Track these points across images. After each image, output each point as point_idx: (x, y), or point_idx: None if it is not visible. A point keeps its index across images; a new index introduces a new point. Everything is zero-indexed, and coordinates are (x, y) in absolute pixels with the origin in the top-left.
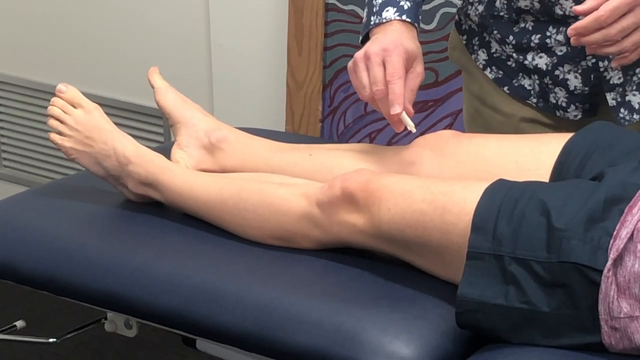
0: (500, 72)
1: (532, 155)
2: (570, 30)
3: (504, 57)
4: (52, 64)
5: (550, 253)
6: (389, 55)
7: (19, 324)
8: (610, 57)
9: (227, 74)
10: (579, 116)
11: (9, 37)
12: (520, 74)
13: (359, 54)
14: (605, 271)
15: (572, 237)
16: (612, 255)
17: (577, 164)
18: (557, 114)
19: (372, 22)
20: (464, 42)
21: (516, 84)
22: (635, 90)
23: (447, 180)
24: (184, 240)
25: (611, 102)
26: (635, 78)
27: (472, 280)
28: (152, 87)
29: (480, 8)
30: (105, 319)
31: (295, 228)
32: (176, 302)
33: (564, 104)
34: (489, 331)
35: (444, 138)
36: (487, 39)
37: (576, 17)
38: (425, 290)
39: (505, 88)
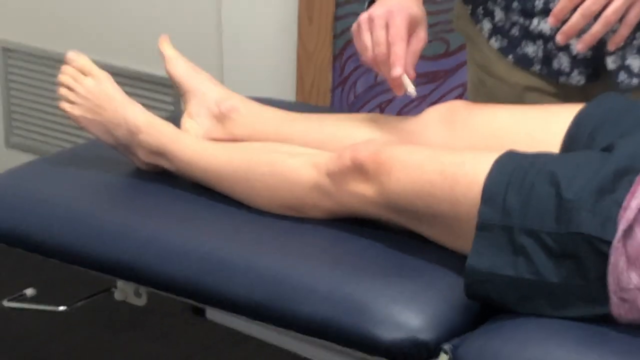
0: (505, 40)
1: (542, 126)
2: (550, 17)
3: (507, 26)
4: (62, 32)
5: (559, 224)
6: (392, 18)
7: (29, 291)
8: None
9: (237, 44)
10: (582, 81)
11: (19, 5)
12: (524, 41)
13: (363, 17)
14: (614, 242)
15: (582, 208)
16: (622, 226)
17: (587, 135)
18: (561, 79)
19: None
20: (470, 11)
21: (520, 52)
22: (636, 53)
23: (457, 150)
24: (193, 209)
25: (611, 65)
26: (635, 42)
27: (481, 251)
28: (163, 56)
29: None
30: (115, 287)
31: (305, 198)
32: (186, 271)
33: (567, 69)
34: (497, 302)
35: (455, 108)
36: (490, 7)
37: None
38: (434, 260)
39: (510, 57)
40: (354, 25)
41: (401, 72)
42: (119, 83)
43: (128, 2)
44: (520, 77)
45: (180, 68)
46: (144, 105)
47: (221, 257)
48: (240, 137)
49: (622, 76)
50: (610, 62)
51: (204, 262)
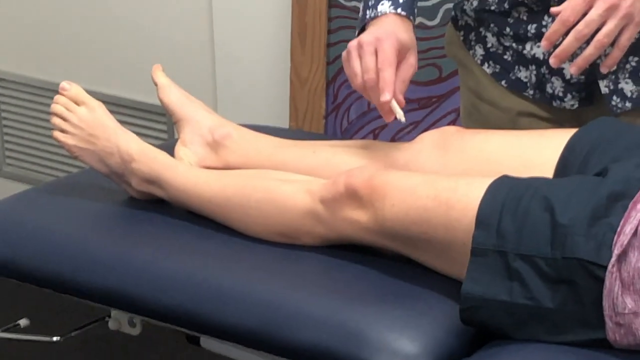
0: (497, 66)
1: (535, 151)
2: (543, 40)
3: (500, 52)
4: (55, 62)
5: (554, 249)
6: (381, 44)
7: (23, 322)
8: (599, 62)
9: (230, 71)
10: (576, 105)
11: (13, 35)
12: (517, 66)
13: (352, 43)
14: (609, 267)
15: (576, 233)
16: (616, 251)
17: (581, 159)
18: (554, 104)
19: (367, 16)
20: (462, 37)
21: (513, 77)
22: (628, 78)
23: (451, 176)
24: (187, 237)
25: (604, 89)
26: (627, 66)
27: (476, 277)
28: (156, 84)
29: (475, 3)
30: (109, 316)
31: (299, 225)
32: (180, 300)
33: (560, 94)
34: (493, 327)
35: (448, 134)
36: (483, 33)
37: None
38: (430, 286)
39: (503, 82)
40: (344, 53)
41: (390, 97)
42: (112, 112)
43: (121, 31)
44: (514, 102)
45: (173, 96)
46: (137, 133)
47: (215, 285)
48: (234, 165)
49: (616, 100)
50: (603, 86)
51: (198, 290)
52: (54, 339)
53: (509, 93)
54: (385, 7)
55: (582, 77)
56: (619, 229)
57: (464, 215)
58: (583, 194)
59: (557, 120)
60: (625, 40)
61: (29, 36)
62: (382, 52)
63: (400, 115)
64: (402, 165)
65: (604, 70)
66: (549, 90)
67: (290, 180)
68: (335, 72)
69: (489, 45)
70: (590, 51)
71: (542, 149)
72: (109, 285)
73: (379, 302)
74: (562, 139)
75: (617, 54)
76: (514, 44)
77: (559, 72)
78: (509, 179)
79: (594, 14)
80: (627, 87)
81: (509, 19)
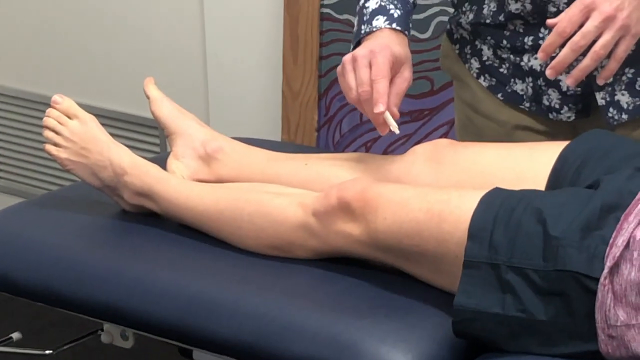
0: (493, 79)
1: (528, 163)
2: (539, 52)
3: (496, 65)
4: (48, 75)
5: (546, 261)
6: (375, 57)
7: (15, 335)
8: (596, 73)
9: (222, 84)
10: (572, 117)
11: (4, 48)
12: (513, 79)
13: (347, 57)
14: (601, 279)
15: (569, 246)
16: (609, 263)
17: (573, 171)
18: (551, 116)
19: (362, 31)
20: (457, 51)
21: (509, 90)
22: (624, 89)
23: (444, 188)
24: (180, 250)
25: (600, 101)
26: (624, 78)
27: (468, 289)
28: (148, 97)
29: (471, 16)
30: (102, 330)
31: (292, 238)
32: (172, 313)
33: (557, 106)
34: (485, 340)
35: (440, 146)
36: (478, 47)
37: None
38: (422, 299)
39: (499, 95)
40: (339, 68)
41: (384, 109)
42: (104, 125)
43: (113, 45)
44: (510, 115)
45: (166, 109)
46: (129, 146)
47: (208, 298)
48: (227, 178)
49: (612, 112)
50: (600, 98)
51: (190, 303)
52: (47, 352)
53: (505, 106)
54: (380, 22)
55: (579, 89)
56: (611, 241)
57: (456, 227)
58: (575, 206)
59: (553, 132)
60: (622, 51)
61: (21, 49)
62: (376, 64)
63: (394, 127)
64: (395, 178)
65: (600, 82)
66: (546, 102)
67: (282, 193)
68: (327, 85)
69: (485, 58)
70: (586, 63)
71: (534, 161)
72: (101, 298)
73: (372, 315)
74: (555, 151)
75: (613, 65)
76: (511, 56)
77: (555, 84)
78: (502, 191)
79: (590, 26)
80: (624, 98)
81: (505, 32)
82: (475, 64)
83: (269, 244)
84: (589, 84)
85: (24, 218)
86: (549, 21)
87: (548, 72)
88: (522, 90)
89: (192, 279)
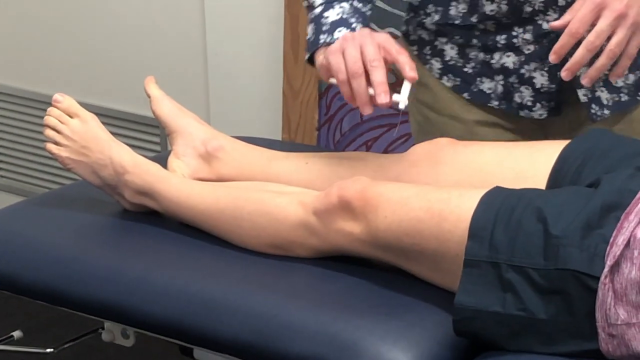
0: (458, 79)
1: (528, 162)
2: (551, 55)
3: (459, 64)
4: (49, 73)
5: (547, 260)
6: (359, 37)
7: (17, 334)
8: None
9: (223, 83)
10: (544, 115)
11: (5, 47)
12: (479, 78)
13: (331, 48)
14: (602, 278)
15: (569, 244)
16: (609, 262)
17: (573, 170)
18: (522, 114)
19: (321, 40)
20: (415, 52)
21: (475, 90)
22: (603, 86)
23: (444, 188)
24: (180, 249)
25: (582, 98)
26: (602, 75)
27: (469, 288)
28: (148, 96)
29: (437, 17)
30: (103, 328)
31: (292, 236)
32: (173, 312)
33: (529, 103)
34: (486, 338)
35: (440, 146)
36: (439, 47)
37: (544, 14)
38: (423, 297)
39: (466, 94)
40: (322, 62)
41: (387, 100)
42: (105, 124)
43: (113, 43)
44: (476, 114)
45: (166, 108)
46: (130, 145)
47: (209, 297)
48: (227, 177)
49: (595, 108)
50: (582, 95)
51: (191, 302)
52: (48, 350)
53: (471, 105)
54: (342, 34)
55: (553, 86)
56: (611, 240)
57: (456, 226)
58: (576, 205)
59: (521, 130)
60: (634, 48)
61: (21, 49)
62: (366, 44)
63: (403, 104)
64: (395, 176)
65: (613, 79)
66: (517, 99)
67: (283, 192)
68: (327, 84)
69: (448, 58)
70: (602, 61)
71: (534, 160)
72: (102, 297)
73: (372, 314)
74: (555, 150)
75: (625, 62)
76: (480, 54)
77: (528, 81)
78: (502, 190)
79: (603, 25)
80: (603, 95)
81: (475, 32)
82: (436, 65)
83: (269, 242)
84: (562, 81)
85: (25, 217)
86: (553, 24)
87: (563, 74)
88: (489, 88)
89: (193, 277)
